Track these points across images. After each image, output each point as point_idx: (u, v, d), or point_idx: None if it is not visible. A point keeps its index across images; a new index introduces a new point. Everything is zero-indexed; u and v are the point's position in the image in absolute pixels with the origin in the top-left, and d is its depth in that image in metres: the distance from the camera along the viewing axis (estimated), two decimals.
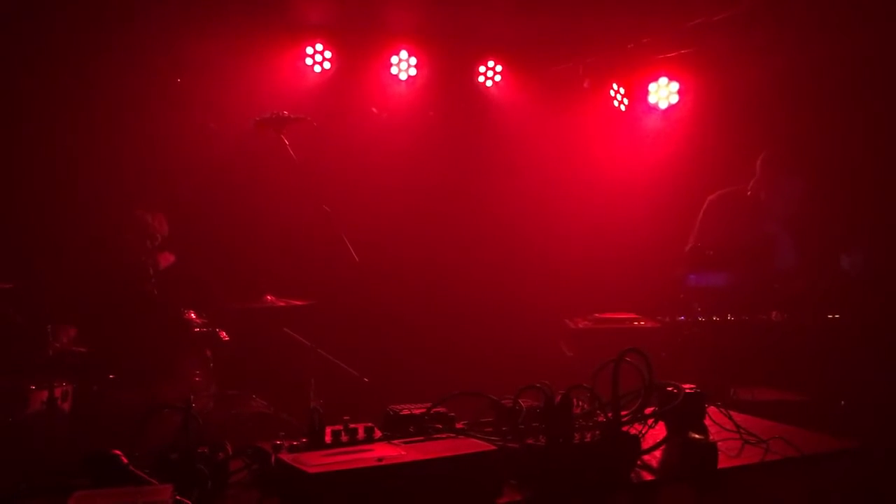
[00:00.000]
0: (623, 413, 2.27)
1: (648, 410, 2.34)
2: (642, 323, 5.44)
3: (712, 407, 2.59)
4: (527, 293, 6.60)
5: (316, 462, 1.85)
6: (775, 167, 5.58)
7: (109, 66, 5.89)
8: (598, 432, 2.18)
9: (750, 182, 5.61)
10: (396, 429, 2.29)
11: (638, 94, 7.20)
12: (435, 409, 2.37)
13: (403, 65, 6.95)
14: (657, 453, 2.30)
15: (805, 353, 4.83)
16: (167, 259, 5.52)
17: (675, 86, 7.02)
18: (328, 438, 2.14)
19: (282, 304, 5.43)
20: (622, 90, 7.26)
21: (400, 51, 6.91)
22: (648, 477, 2.20)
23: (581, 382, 2.31)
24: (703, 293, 5.21)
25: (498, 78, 7.27)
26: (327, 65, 6.74)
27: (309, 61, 6.69)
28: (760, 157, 5.60)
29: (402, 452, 1.95)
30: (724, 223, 5.56)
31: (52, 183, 5.66)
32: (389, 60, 6.92)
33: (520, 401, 2.33)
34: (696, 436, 2.27)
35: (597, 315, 5.60)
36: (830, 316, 5.05)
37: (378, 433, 2.20)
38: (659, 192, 6.45)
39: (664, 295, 5.41)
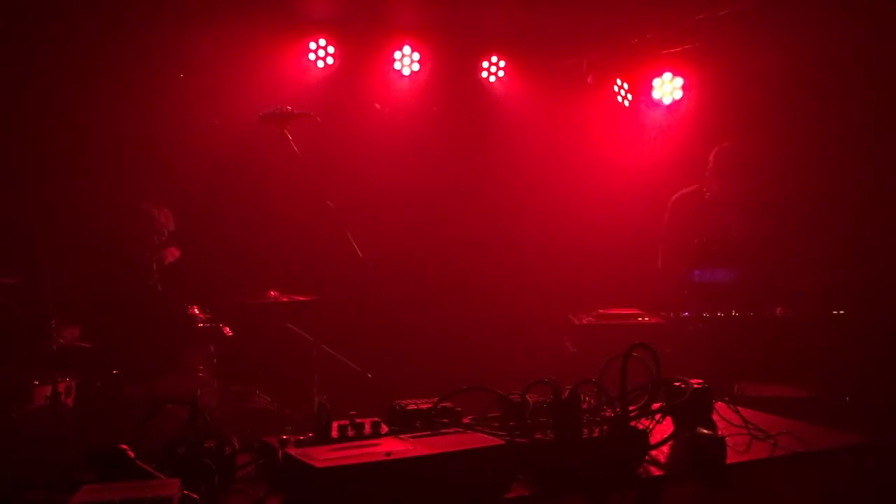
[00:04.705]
0: (630, 408, 2.26)
1: (656, 406, 2.33)
2: (646, 319, 5.42)
3: (719, 402, 2.58)
4: (530, 289, 6.58)
5: (324, 456, 1.83)
6: (725, 159, 5.64)
7: (113, 62, 5.87)
8: (606, 427, 2.17)
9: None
10: (403, 424, 2.28)
11: (642, 90, 7.16)
12: (441, 404, 2.36)
13: (406, 60, 6.93)
14: (665, 448, 2.29)
15: (810, 349, 4.82)
16: (172, 254, 5.51)
17: (679, 81, 6.98)
18: (335, 433, 2.13)
19: (285, 299, 5.43)
20: (626, 85, 7.22)
21: (403, 46, 6.89)
22: (657, 472, 2.19)
23: (584, 378, 2.29)
24: (708, 289, 5.19)
25: (501, 73, 7.24)
26: (330, 60, 6.72)
27: (312, 56, 6.67)
28: (714, 150, 5.68)
29: (410, 447, 1.94)
30: (688, 221, 5.61)
31: (56, 177, 5.65)
32: (392, 56, 6.90)
33: (527, 396, 2.32)
34: (705, 431, 2.26)
35: (600, 311, 5.58)
36: (835, 311, 5.04)
37: (384, 428, 2.19)
38: (663, 187, 6.42)
39: (668, 291, 5.39)
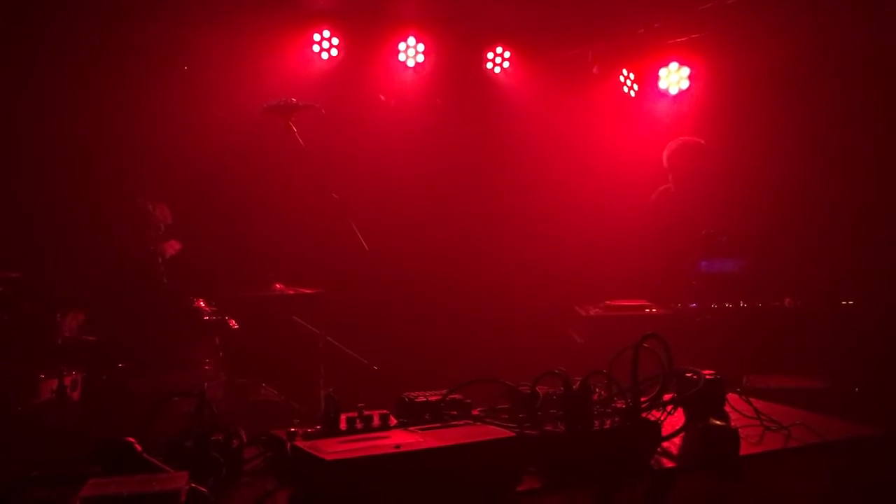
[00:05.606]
0: (642, 399, 2.23)
1: (667, 397, 2.30)
2: (654, 310, 5.40)
3: (732, 393, 2.55)
4: (537, 280, 6.56)
5: (333, 449, 1.81)
6: (671, 157, 5.64)
7: (116, 58, 5.84)
8: (617, 419, 2.14)
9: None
10: (412, 416, 2.26)
11: (648, 80, 7.13)
12: (450, 396, 2.34)
13: (411, 51, 6.90)
14: (676, 440, 2.26)
15: (818, 340, 4.80)
16: (173, 247, 5.49)
17: (685, 71, 6.94)
18: (343, 426, 2.10)
19: (291, 292, 5.41)
20: (632, 76, 7.19)
21: (408, 37, 6.86)
22: (668, 464, 2.17)
23: (591, 369, 2.26)
24: (716, 280, 5.17)
25: (506, 64, 7.21)
26: (335, 51, 6.69)
27: (316, 48, 6.64)
28: (665, 149, 5.68)
29: (420, 439, 1.92)
30: (664, 215, 5.63)
31: (59, 172, 5.63)
32: (397, 47, 6.88)
33: (537, 387, 2.29)
34: (718, 422, 2.23)
35: (608, 302, 5.56)
36: (844, 302, 5.01)
37: (393, 420, 2.17)
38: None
39: (676, 282, 5.36)
